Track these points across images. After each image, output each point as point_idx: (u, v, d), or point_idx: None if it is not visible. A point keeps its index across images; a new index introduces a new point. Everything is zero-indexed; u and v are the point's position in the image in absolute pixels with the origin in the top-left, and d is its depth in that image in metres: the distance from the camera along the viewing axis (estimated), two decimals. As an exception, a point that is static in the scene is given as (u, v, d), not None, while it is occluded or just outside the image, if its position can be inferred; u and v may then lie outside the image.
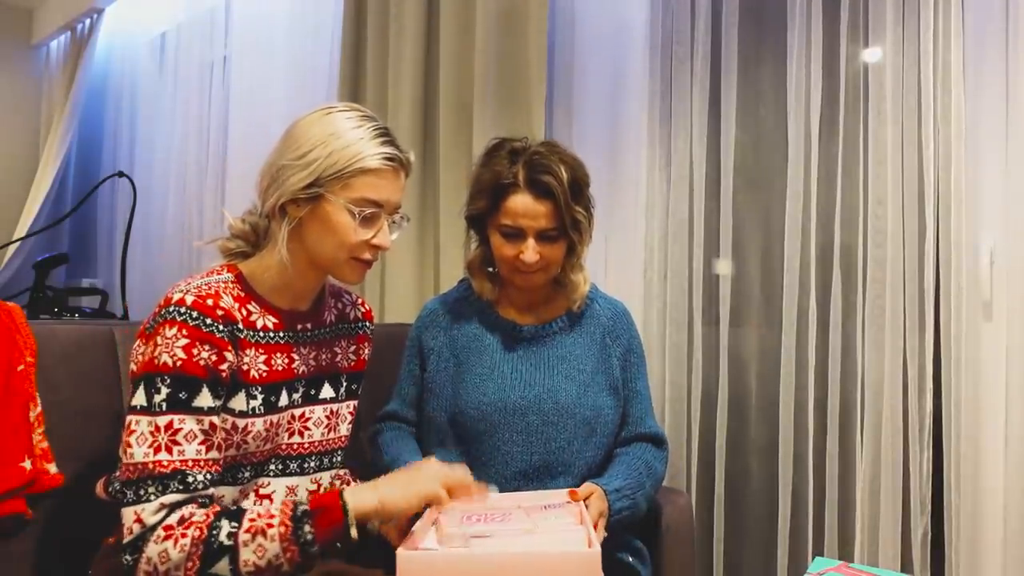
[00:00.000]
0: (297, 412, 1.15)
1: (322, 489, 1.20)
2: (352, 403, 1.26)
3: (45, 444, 1.21)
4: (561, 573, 0.94)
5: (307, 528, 0.94)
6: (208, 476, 1.00)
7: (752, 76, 1.83)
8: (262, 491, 1.12)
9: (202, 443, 1.00)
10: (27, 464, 1.18)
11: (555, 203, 1.27)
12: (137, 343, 1.06)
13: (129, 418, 1.00)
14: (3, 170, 4.05)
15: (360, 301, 1.32)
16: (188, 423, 1.00)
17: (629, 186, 1.91)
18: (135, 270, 2.23)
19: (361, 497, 0.97)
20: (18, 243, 3.45)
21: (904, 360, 1.51)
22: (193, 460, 0.99)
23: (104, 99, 3.95)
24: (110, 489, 1.13)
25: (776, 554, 1.69)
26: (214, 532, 0.94)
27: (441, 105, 2.11)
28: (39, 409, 1.22)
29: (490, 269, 1.43)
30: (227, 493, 1.08)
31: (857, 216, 1.60)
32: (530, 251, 1.30)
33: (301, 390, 1.16)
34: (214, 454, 1.02)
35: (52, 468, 1.21)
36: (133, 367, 1.04)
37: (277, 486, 1.13)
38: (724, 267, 1.84)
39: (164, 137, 3.47)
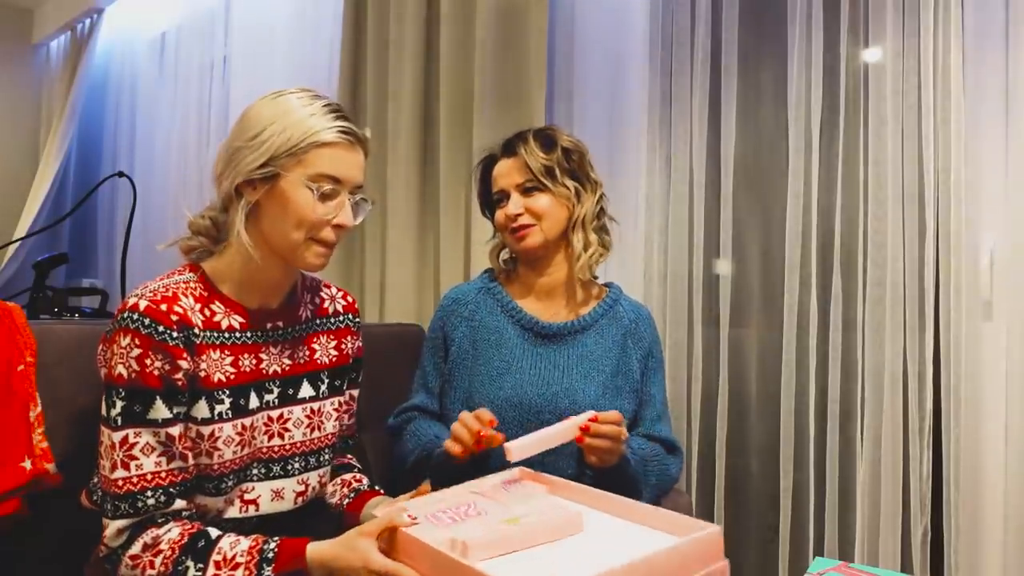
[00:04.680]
0: (275, 413, 1.13)
1: (310, 490, 1.18)
2: (337, 399, 1.23)
3: (45, 444, 1.21)
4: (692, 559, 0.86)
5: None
6: (169, 491, 1.00)
7: (752, 76, 1.82)
8: (247, 496, 1.10)
9: (161, 455, 1.00)
10: (27, 464, 1.18)
11: (523, 156, 1.39)
12: (100, 347, 1.05)
13: (100, 428, 1.01)
14: (3, 170, 4.05)
15: (343, 294, 1.29)
16: (144, 436, 0.99)
17: (629, 186, 1.90)
18: (135, 270, 2.23)
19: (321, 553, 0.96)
20: (18, 243, 3.44)
21: (904, 360, 1.51)
22: (152, 473, 0.99)
23: (104, 99, 3.94)
24: (94, 498, 1.12)
25: (776, 554, 1.69)
26: (179, 569, 0.95)
27: (441, 106, 2.11)
28: (39, 409, 1.21)
29: (504, 261, 1.51)
30: (210, 503, 1.07)
31: (857, 216, 1.60)
32: (511, 204, 1.39)
33: (276, 391, 1.14)
34: (177, 463, 1.01)
35: (52, 468, 1.20)
36: (101, 372, 1.03)
37: (262, 490, 1.12)
38: (724, 267, 1.84)
39: (164, 137, 3.47)
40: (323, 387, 1.20)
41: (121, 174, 2.22)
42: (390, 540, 0.94)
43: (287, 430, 1.15)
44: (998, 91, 1.42)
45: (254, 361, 1.11)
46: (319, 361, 1.20)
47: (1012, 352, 1.40)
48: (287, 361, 1.15)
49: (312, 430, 1.18)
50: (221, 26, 3.21)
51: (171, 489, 1.00)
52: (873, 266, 1.56)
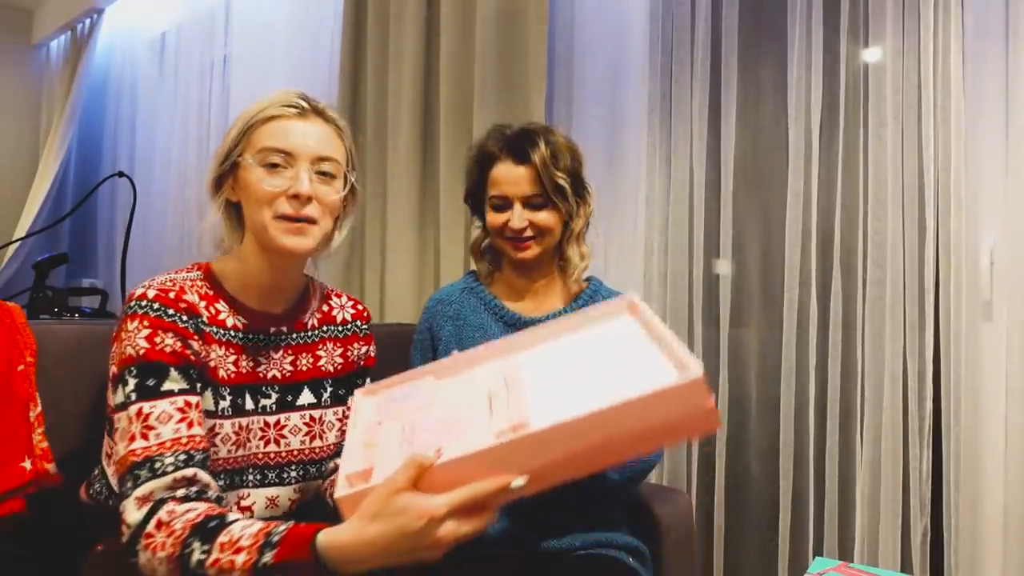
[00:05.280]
0: (272, 419, 1.12)
1: (309, 500, 1.17)
2: (341, 409, 1.20)
3: (45, 444, 1.21)
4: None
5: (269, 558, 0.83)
6: (189, 452, 0.95)
7: (752, 76, 1.82)
8: (243, 503, 1.10)
9: (180, 421, 0.96)
10: (27, 464, 1.18)
11: (535, 168, 1.33)
12: (113, 347, 1.03)
13: (113, 417, 0.99)
14: (3, 170, 4.06)
15: (352, 303, 1.28)
16: (160, 405, 0.96)
17: (629, 186, 1.90)
18: (135, 270, 2.23)
19: (336, 539, 0.82)
20: (18, 243, 3.45)
21: (904, 360, 1.51)
22: (172, 440, 0.95)
23: (104, 99, 3.94)
24: (91, 492, 1.11)
25: (776, 554, 1.69)
26: (186, 552, 0.87)
27: (441, 105, 2.11)
28: (39, 409, 1.22)
29: (488, 260, 1.47)
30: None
31: (857, 216, 1.60)
32: (516, 217, 1.34)
33: (275, 396, 1.12)
34: (197, 430, 0.97)
35: (52, 468, 1.21)
36: (111, 367, 1.02)
37: (257, 497, 1.11)
38: (724, 267, 1.84)
39: (164, 137, 3.47)
40: (326, 395, 1.18)
41: (121, 174, 2.22)
42: (424, 484, 0.80)
43: (283, 436, 1.13)
44: (998, 91, 1.42)
45: (251, 364, 1.11)
46: (323, 369, 1.19)
47: (1012, 352, 1.40)
48: (288, 367, 1.15)
49: (312, 439, 1.16)
50: (221, 26, 3.21)
51: (192, 452, 0.95)
52: (873, 266, 1.56)
